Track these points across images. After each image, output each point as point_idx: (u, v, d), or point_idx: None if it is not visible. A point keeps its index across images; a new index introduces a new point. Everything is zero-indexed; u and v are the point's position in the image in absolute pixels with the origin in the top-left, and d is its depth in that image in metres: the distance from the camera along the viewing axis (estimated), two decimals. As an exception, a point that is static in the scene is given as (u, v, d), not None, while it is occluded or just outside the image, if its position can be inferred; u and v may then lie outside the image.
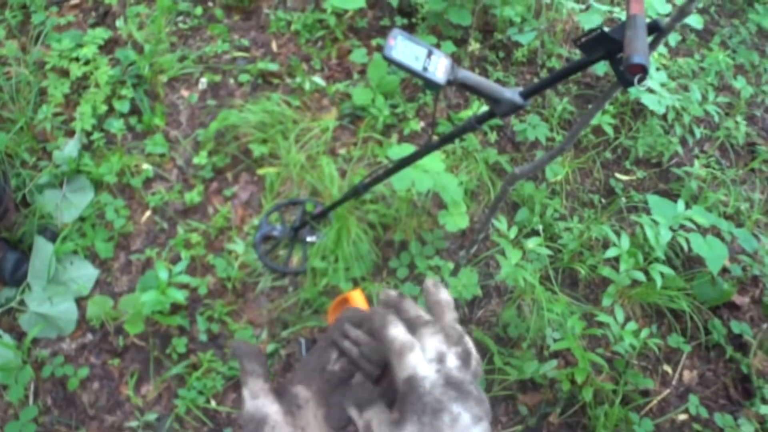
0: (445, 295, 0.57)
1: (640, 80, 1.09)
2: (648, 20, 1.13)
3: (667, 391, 2.20)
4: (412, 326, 0.53)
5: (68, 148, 2.45)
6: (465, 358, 0.49)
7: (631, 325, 1.96)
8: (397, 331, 0.50)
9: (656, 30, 1.13)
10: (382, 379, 0.59)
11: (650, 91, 2.45)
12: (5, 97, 2.56)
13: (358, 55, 2.72)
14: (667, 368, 2.24)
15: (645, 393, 2.16)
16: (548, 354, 2.14)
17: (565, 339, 1.93)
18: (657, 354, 2.20)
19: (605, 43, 1.15)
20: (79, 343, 2.16)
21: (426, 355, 0.49)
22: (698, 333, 2.28)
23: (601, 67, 2.67)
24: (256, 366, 0.59)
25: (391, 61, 1.31)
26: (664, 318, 2.29)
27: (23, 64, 2.65)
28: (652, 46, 1.16)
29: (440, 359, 0.48)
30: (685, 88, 2.75)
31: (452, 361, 0.48)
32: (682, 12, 1.17)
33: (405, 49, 1.32)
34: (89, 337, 2.18)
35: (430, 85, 1.35)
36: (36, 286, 2.19)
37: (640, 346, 1.99)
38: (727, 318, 2.34)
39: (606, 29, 1.13)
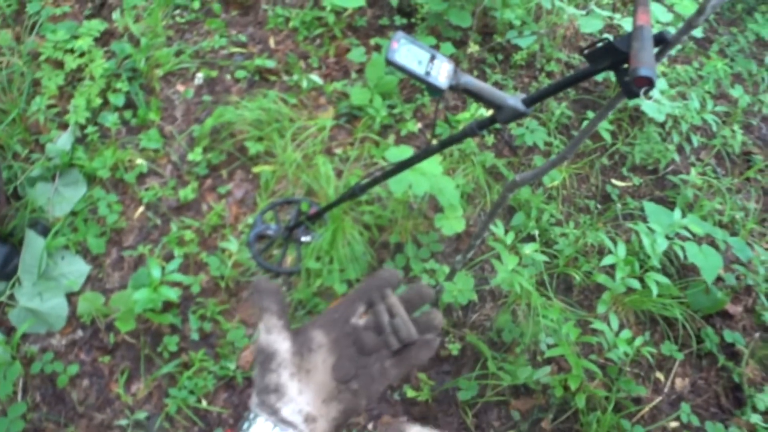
0: None
1: (646, 92, 1.09)
2: (654, 32, 1.12)
3: (659, 399, 2.20)
4: None
5: (61, 141, 2.42)
6: None
7: (625, 333, 1.95)
8: None
9: (662, 42, 1.12)
10: (400, 353, 0.62)
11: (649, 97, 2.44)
12: (-3, 88, 2.53)
13: (357, 54, 2.71)
14: (660, 376, 2.24)
15: (637, 400, 2.17)
16: (541, 360, 2.13)
17: (560, 345, 1.93)
18: (650, 361, 2.19)
19: (611, 54, 1.14)
20: (69, 340, 2.14)
21: None
22: (691, 341, 2.28)
23: (600, 74, 2.67)
24: (272, 303, 0.64)
25: (394, 65, 1.30)
26: (657, 325, 2.29)
27: (17, 54, 2.62)
28: (658, 57, 1.15)
29: None
30: (683, 96, 2.75)
31: None
32: (689, 25, 1.16)
33: (408, 52, 1.31)
34: (79, 333, 2.15)
35: (433, 89, 1.34)
36: (26, 280, 2.17)
37: (634, 354, 1.99)
38: (720, 327, 2.35)
39: (611, 38, 1.12)
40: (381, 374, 0.61)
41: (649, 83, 1.06)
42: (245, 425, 0.59)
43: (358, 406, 0.61)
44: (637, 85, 1.07)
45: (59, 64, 2.62)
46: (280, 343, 0.61)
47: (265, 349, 0.61)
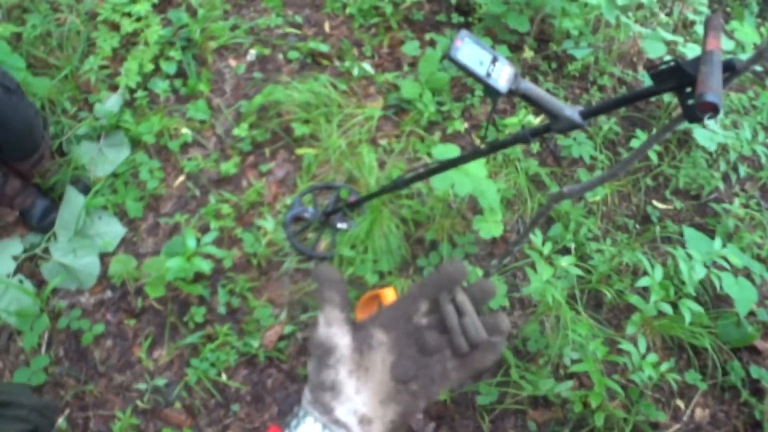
0: None
1: (710, 118, 1.07)
2: (723, 58, 1.10)
3: (677, 426, 2.17)
4: None
5: (110, 103, 2.45)
6: None
7: (652, 357, 1.93)
8: None
9: (730, 69, 1.10)
10: (464, 355, 0.58)
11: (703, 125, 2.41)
12: (53, 43, 2.55)
13: (411, 48, 2.69)
14: (680, 403, 2.22)
15: (655, 425, 2.14)
16: (564, 374, 2.12)
17: (585, 362, 1.91)
18: (672, 388, 2.17)
19: (678, 76, 1.12)
20: (97, 299, 2.17)
21: None
22: (716, 372, 2.24)
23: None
24: (335, 294, 0.60)
25: (455, 63, 1.30)
26: (684, 353, 2.26)
27: (75, 12, 2.64)
28: (724, 84, 1.13)
29: None
30: (735, 124, 2.70)
31: None
32: (759, 54, 1.14)
33: (471, 52, 1.31)
34: (108, 294, 2.18)
35: (492, 92, 1.33)
36: (62, 236, 2.19)
37: (657, 378, 1.97)
38: (746, 361, 2.31)
39: (679, 61, 1.10)
40: (442, 376, 0.58)
41: (714, 110, 1.04)
42: (294, 422, 0.57)
43: (416, 409, 0.58)
44: (701, 110, 1.05)
45: (115, 27, 2.64)
46: (341, 337, 0.59)
47: (324, 343, 0.58)
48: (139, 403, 2.02)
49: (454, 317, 0.59)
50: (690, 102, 1.11)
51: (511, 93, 1.35)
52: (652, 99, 2.78)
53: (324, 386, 0.57)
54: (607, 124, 2.61)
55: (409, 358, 0.59)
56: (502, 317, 0.60)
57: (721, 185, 2.63)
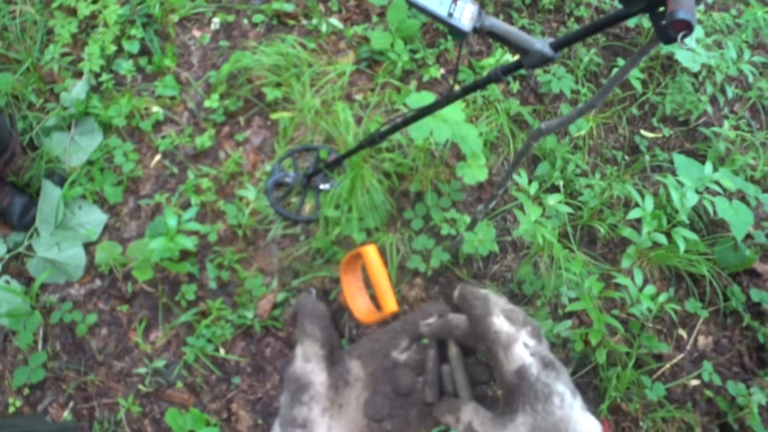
0: (483, 291, 0.54)
1: (684, 38, 1.01)
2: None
3: (680, 356, 2.16)
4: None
5: (76, 90, 2.38)
6: (538, 335, 0.49)
7: (649, 289, 1.91)
8: (501, 322, 0.49)
9: (703, -17, 1.05)
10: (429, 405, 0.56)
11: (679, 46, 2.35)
12: (11, 37, 2.48)
13: (378, -3, 2.61)
14: (682, 333, 2.20)
15: (658, 357, 2.13)
16: (563, 313, 2.10)
17: (582, 299, 1.89)
18: (673, 318, 2.15)
19: (648, -5, 1.06)
20: (87, 289, 2.14)
21: None
22: (716, 299, 2.23)
23: (632, 19, 2.56)
24: (316, 329, 0.58)
25: (413, 5, 1.24)
26: (682, 282, 2.24)
27: (29, 2, 2.56)
28: (697, 1, 1.07)
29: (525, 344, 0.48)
30: (719, 45, 2.63)
31: (530, 342, 0.48)
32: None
33: (429, -8, 1.24)
34: (98, 283, 2.15)
35: (455, 32, 1.27)
36: (44, 231, 2.16)
37: (657, 310, 1.95)
38: (747, 285, 2.29)
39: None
40: (419, 419, 0.56)
41: (688, 28, 0.98)
42: None
43: None
44: (674, 30, 1.00)
45: (72, 11, 2.55)
46: (317, 374, 0.56)
47: (300, 379, 0.56)
48: (141, 387, 2.02)
49: (432, 365, 0.56)
50: (663, 22, 1.06)
51: (477, 31, 1.28)
52: (632, 26, 2.70)
53: (295, 423, 0.55)
54: (587, 55, 2.54)
55: (383, 395, 0.56)
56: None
57: (710, 108, 2.57)
